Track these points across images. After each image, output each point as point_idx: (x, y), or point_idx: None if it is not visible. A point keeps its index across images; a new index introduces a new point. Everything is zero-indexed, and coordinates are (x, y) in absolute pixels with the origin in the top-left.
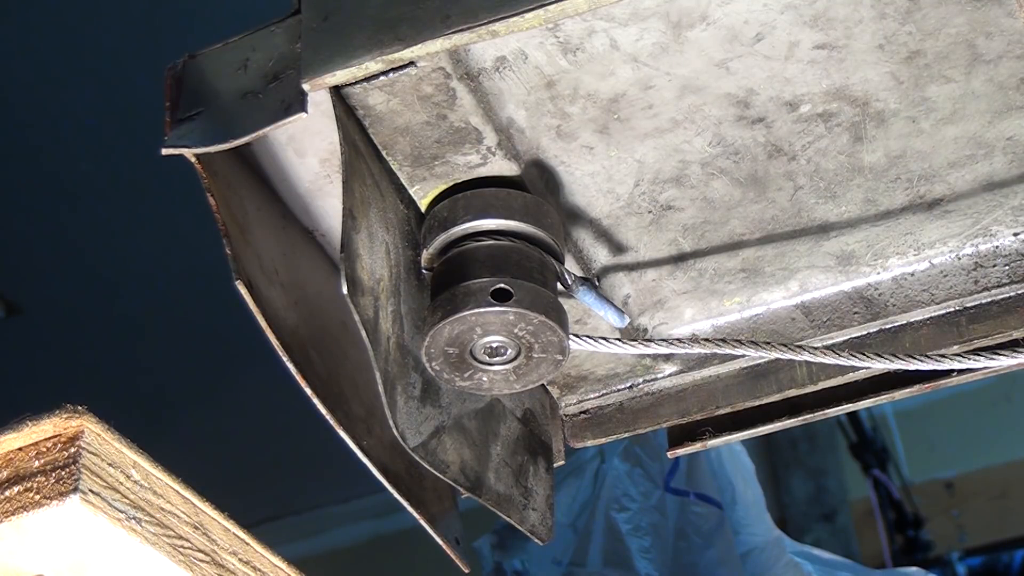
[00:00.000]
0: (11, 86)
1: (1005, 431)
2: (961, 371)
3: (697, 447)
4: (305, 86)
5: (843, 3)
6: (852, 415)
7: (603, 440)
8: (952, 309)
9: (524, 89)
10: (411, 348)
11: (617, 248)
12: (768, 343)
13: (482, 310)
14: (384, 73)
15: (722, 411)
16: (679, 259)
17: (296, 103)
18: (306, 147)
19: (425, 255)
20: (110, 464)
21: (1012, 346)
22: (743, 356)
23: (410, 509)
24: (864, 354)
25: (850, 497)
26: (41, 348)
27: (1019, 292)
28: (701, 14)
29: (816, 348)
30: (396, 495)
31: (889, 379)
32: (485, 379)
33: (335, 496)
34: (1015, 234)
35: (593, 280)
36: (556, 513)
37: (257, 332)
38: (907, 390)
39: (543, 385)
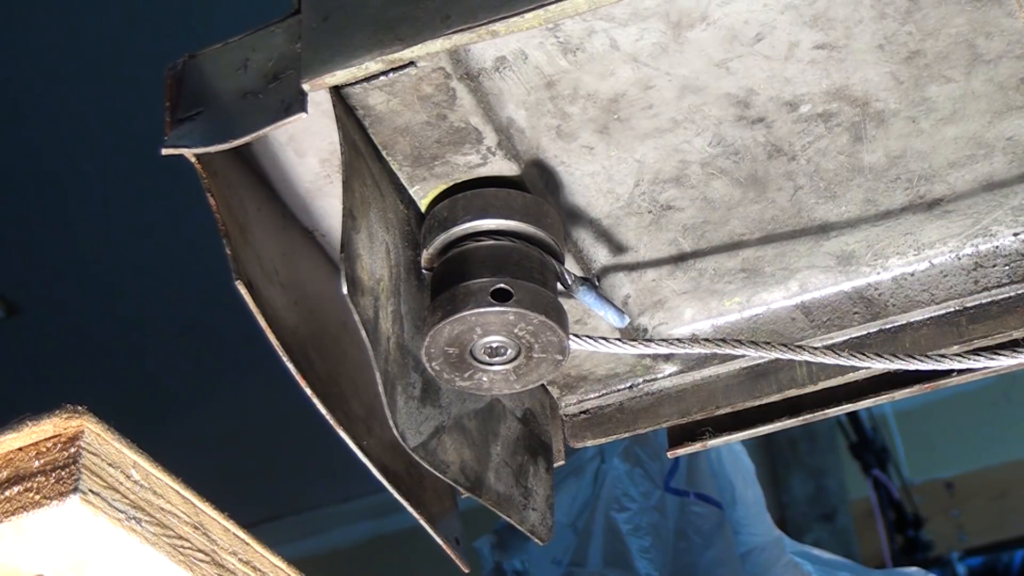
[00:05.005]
0: (11, 86)
1: (1005, 431)
2: (961, 371)
3: (697, 447)
4: (305, 86)
5: (843, 3)
6: (852, 415)
7: (603, 440)
8: (952, 309)
9: (524, 89)
10: (411, 348)
11: (617, 248)
12: (768, 343)
13: (482, 310)
14: (384, 73)
15: (722, 411)
16: (679, 259)
17: (296, 103)
18: (306, 147)
19: (425, 255)
20: (110, 464)
21: (1012, 346)
22: (743, 356)
23: (410, 509)
24: (864, 354)
25: (850, 497)
26: (41, 348)
27: (1019, 292)
28: (701, 14)
29: (816, 348)
30: (396, 495)
31: (889, 379)
32: (485, 379)
33: (335, 496)
34: (1015, 234)
35: (593, 280)
36: (556, 513)
37: (257, 332)
38: (907, 390)
39: (543, 385)
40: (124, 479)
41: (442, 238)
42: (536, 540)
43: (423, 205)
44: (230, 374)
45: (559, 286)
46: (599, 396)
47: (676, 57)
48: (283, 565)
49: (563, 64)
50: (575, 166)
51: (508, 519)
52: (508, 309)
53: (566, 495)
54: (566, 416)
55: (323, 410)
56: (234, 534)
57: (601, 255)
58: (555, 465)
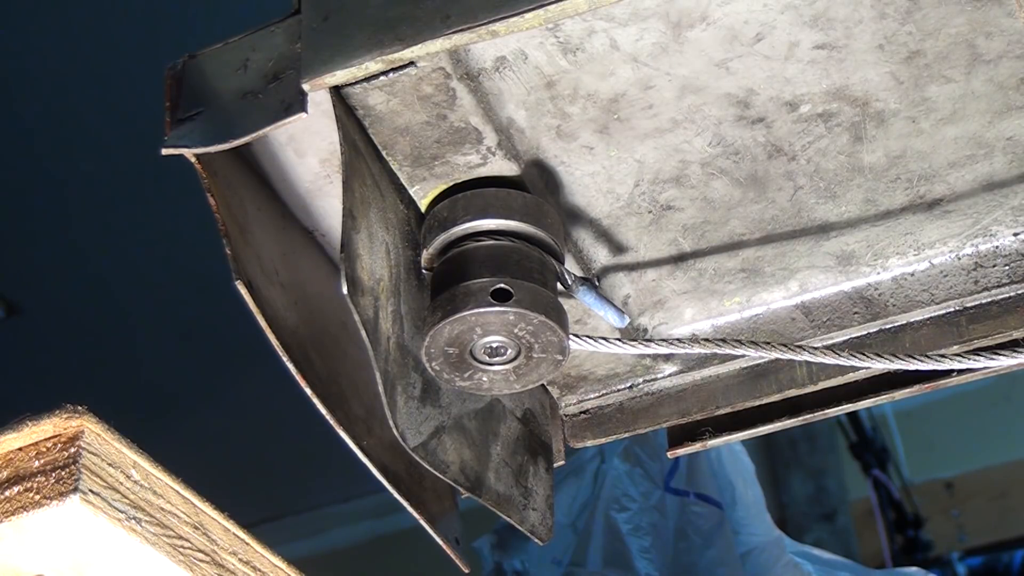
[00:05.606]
0: (11, 86)
1: (1005, 431)
2: (961, 371)
3: (697, 447)
4: (305, 86)
5: (843, 3)
6: (852, 415)
7: (603, 440)
8: (952, 309)
9: (524, 89)
10: (411, 348)
11: (617, 248)
12: (768, 343)
13: (482, 310)
14: (384, 73)
15: (722, 411)
16: (679, 259)
17: (296, 103)
18: (306, 147)
19: (425, 255)
20: (110, 464)
21: (1012, 346)
22: (743, 356)
23: (410, 509)
24: (864, 354)
25: (850, 497)
26: (41, 348)
27: (1019, 292)
28: (701, 14)
29: (816, 348)
30: (396, 495)
31: (889, 379)
32: (485, 379)
33: (335, 496)
34: (1015, 234)
35: (593, 280)
36: (556, 513)
37: (257, 332)
38: (907, 390)
39: (543, 385)
40: (124, 479)
41: (442, 238)
42: (536, 540)
43: (423, 205)
44: (230, 374)
45: (559, 286)
46: (599, 396)
47: (676, 57)
48: (283, 565)
49: (563, 64)
50: (575, 166)
51: (508, 519)
52: (508, 309)
53: (566, 495)
54: (566, 416)
55: (323, 410)
56: (234, 534)
57: (601, 255)
58: (555, 465)
